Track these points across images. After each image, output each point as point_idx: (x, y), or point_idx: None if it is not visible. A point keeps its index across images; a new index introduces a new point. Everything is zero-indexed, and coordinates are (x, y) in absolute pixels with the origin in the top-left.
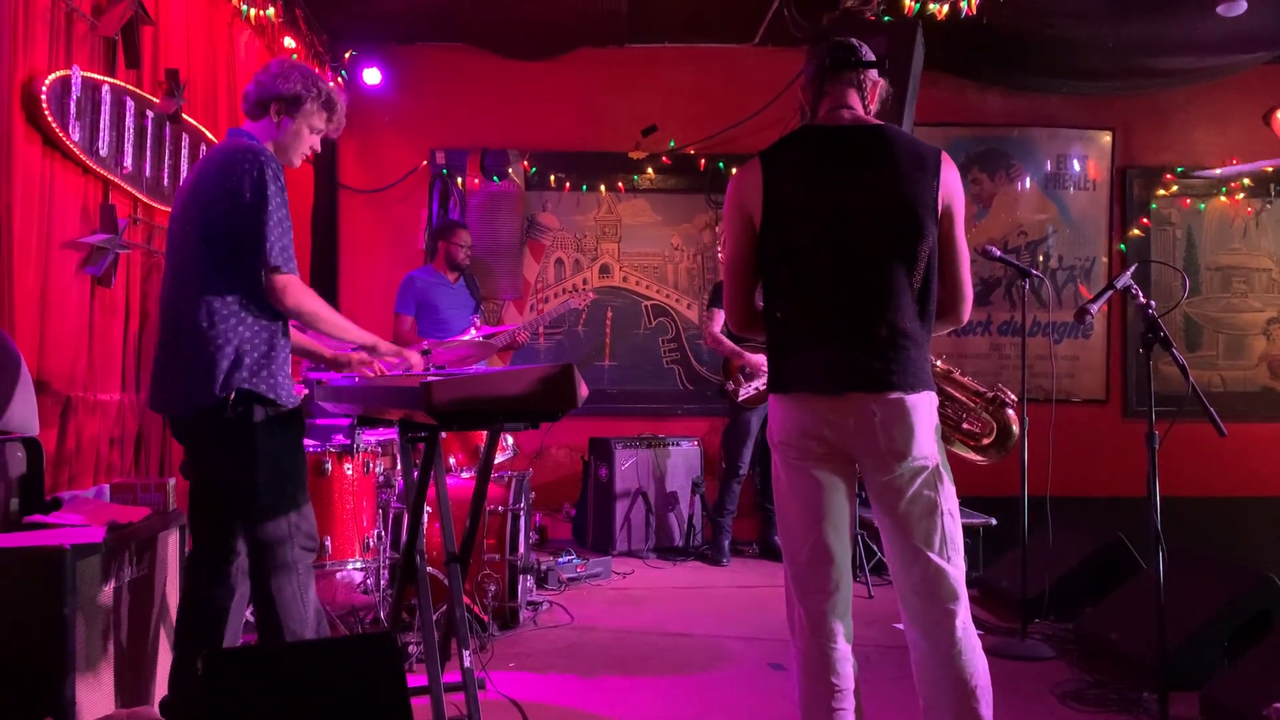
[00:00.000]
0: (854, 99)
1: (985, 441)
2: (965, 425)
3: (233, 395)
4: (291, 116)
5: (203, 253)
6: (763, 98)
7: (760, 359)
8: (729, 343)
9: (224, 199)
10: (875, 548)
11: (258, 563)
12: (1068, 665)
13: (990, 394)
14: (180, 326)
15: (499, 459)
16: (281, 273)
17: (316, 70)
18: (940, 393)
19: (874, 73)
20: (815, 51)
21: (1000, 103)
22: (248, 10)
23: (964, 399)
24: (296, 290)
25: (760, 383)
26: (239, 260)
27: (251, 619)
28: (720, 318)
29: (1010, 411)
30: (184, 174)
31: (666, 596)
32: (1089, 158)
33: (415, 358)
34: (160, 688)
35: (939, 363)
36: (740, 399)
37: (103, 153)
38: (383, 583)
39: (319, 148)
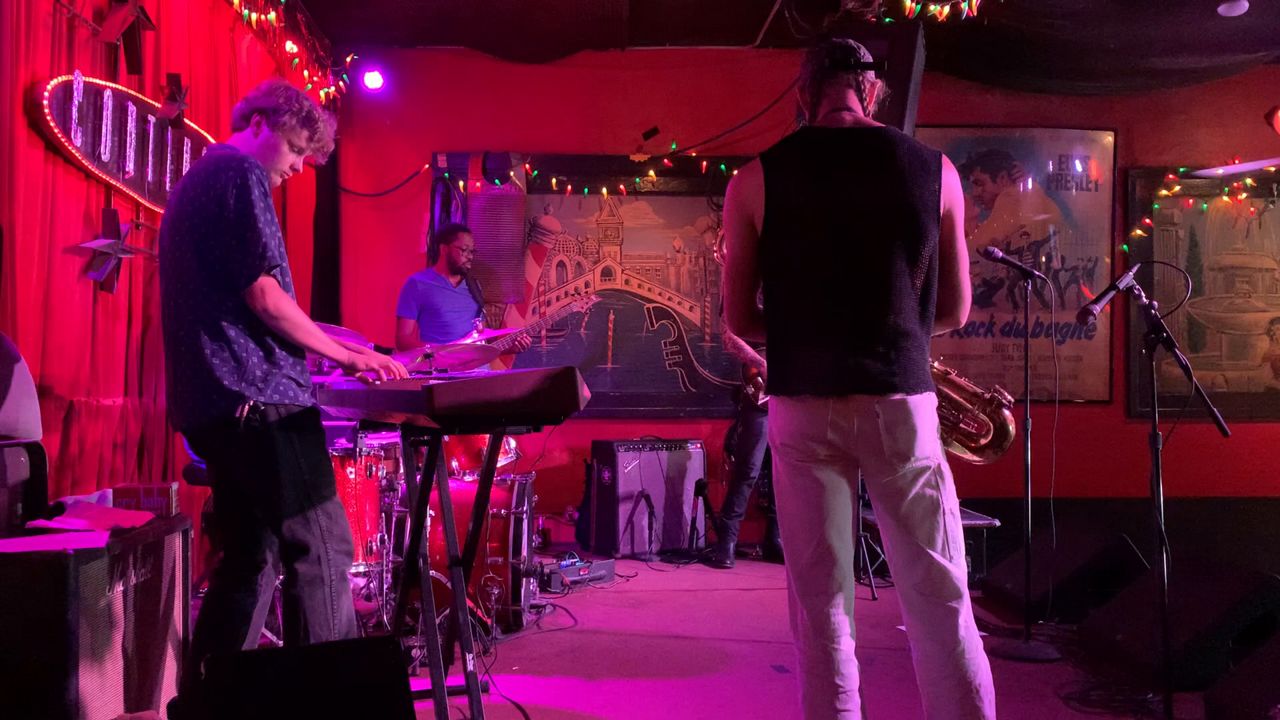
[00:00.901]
0: (853, 100)
1: (982, 442)
2: (962, 425)
3: (246, 407)
4: (271, 129)
5: (196, 267)
6: (764, 100)
7: None
8: (749, 350)
9: (210, 208)
10: (879, 549)
11: (290, 569)
12: (1072, 667)
13: (987, 395)
14: (182, 343)
15: (501, 462)
16: (260, 276)
17: (317, 74)
18: (938, 394)
19: (871, 73)
20: (813, 53)
21: (1002, 104)
22: (249, 15)
23: (961, 400)
24: (274, 293)
25: None
26: (231, 270)
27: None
28: None
29: (1007, 412)
30: None
31: (670, 599)
32: (1091, 158)
33: (399, 368)
34: (166, 691)
35: (936, 364)
36: (760, 402)
37: (105, 158)
38: (386, 586)
39: (300, 168)
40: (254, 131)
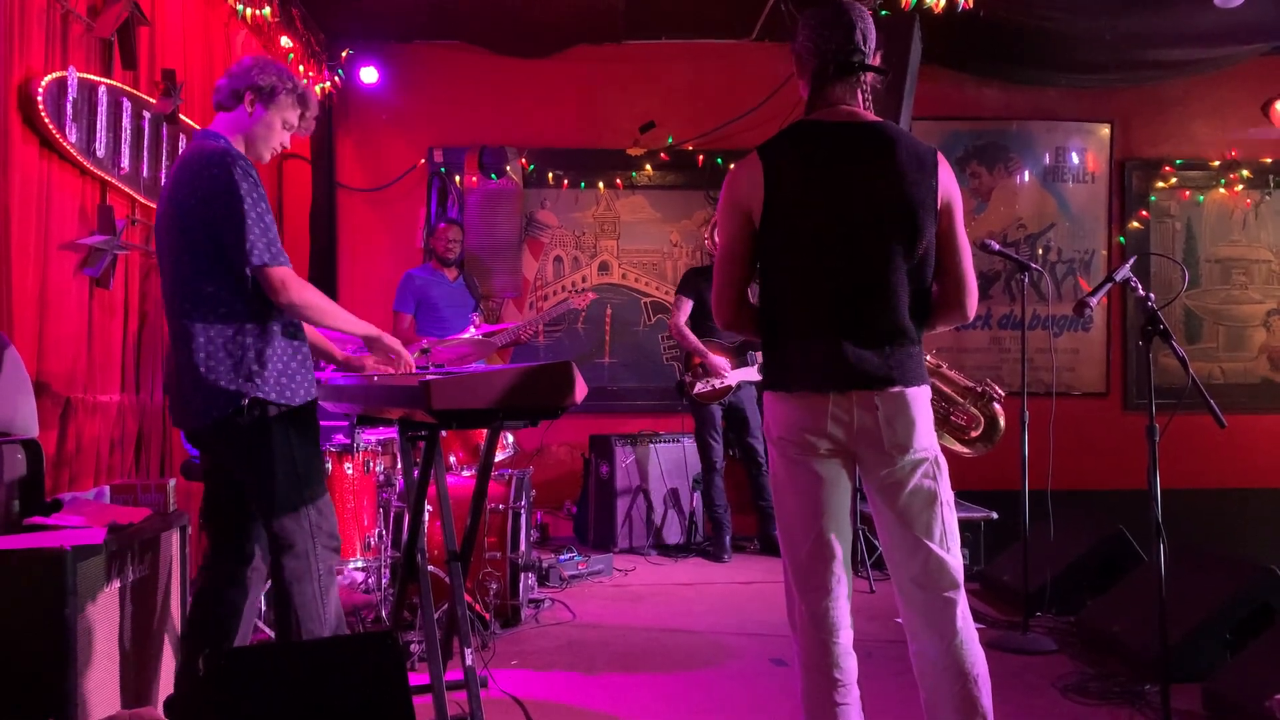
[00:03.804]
0: (854, 95)
1: (973, 435)
2: (953, 419)
3: (245, 403)
4: (265, 106)
5: (188, 265)
6: (761, 93)
7: (721, 362)
8: (693, 338)
9: (198, 209)
10: (877, 543)
11: (277, 563)
12: (1070, 658)
13: (978, 389)
14: (181, 341)
15: (499, 457)
16: (272, 268)
17: (313, 69)
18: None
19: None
20: (815, 45)
21: (998, 96)
22: (244, 10)
23: (952, 393)
24: (295, 284)
25: (717, 382)
26: (225, 268)
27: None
28: (687, 308)
29: (997, 406)
30: None
31: (668, 593)
32: (1088, 150)
33: (409, 359)
34: (164, 687)
35: (929, 357)
36: (695, 393)
37: (100, 154)
38: (384, 581)
39: (289, 144)
40: (248, 111)
